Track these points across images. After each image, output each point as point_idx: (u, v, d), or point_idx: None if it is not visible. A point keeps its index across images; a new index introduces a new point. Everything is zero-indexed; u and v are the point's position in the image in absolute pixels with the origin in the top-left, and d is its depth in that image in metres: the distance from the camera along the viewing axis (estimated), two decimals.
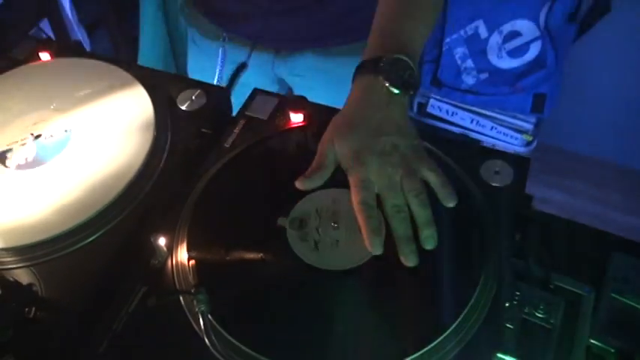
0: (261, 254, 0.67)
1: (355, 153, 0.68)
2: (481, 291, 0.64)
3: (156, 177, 0.74)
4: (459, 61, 1.62)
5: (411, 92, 0.73)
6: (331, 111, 0.80)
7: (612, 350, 0.64)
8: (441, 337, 0.60)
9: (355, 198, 0.66)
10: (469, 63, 1.61)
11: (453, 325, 0.61)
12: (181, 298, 0.64)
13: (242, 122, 0.81)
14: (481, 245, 0.67)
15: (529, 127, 1.65)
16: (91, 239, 0.68)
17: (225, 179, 0.75)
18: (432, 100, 1.70)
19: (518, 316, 0.64)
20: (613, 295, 0.68)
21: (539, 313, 0.65)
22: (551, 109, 1.62)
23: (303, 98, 0.81)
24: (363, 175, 0.67)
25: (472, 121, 1.69)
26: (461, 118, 1.70)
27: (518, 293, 0.66)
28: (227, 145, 0.79)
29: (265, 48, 1.09)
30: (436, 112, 1.70)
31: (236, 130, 0.80)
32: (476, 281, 0.64)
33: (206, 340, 0.60)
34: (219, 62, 1.05)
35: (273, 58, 1.12)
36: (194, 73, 1.24)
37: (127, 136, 0.78)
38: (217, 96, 0.83)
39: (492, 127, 1.68)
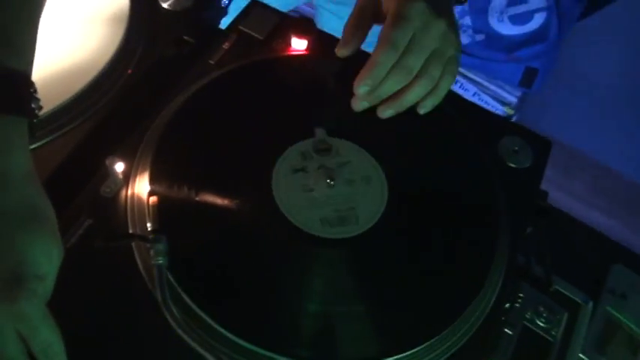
0: (238, 200, 0.56)
1: None
2: (486, 289, 0.57)
3: (121, 83, 0.62)
4: (456, 16, 1.52)
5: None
6: None
7: None
8: (436, 338, 0.53)
9: (387, 31, 0.59)
10: (467, 20, 1.53)
11: (451, 326, 0.54)
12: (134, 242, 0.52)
13: (234, 37, 0.68)
14: (493, 236, 0.60)
15: (513, 100, 1.59)
16: (32, 147, 0.54)
17: (205, 102, 0.62)
18: None
19: (519, 322, 0.59)
20: (609, 309, 0.65)
21: (541, 321, 0.59)
22: (538, 88, 1.56)
23: (309, 21, 0.69)
24: (409, 12, 0.59)
25: (456, 83, 1.62)
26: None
27: (521, 295, 0.59)
28: (212, 62, 0.66)
29: None
30: None
31: (225, 46, 0.67)
32: (483, 277, 0.56)
33: (159, 298, 0.48)
34: None
35: None
36: None
37: (92, 27, 0.65)
38: None
39: (475, 93, 1.61)
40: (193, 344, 0.47)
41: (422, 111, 0.62)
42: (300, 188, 0.58)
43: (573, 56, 1.66)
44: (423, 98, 0.62)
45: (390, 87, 0.60)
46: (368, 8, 0.64)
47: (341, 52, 0.63)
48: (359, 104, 0.61)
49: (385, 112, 0.61)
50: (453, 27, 0.62)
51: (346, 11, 0.67)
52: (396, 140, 0.64)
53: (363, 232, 0.56)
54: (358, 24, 0.63)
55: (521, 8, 1.49)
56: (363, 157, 0.61)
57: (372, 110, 0.63)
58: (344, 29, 0.63)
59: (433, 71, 0.60)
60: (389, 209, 0.58)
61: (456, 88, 1.60)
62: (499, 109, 1.60)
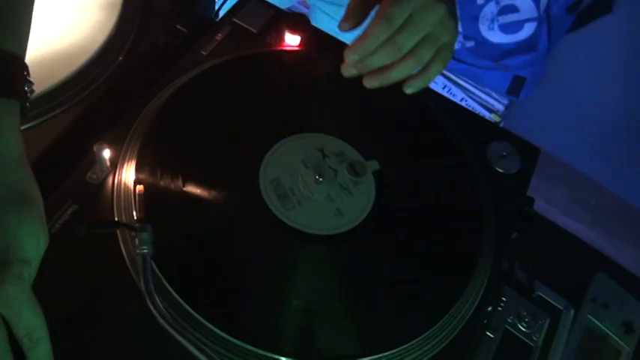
0: (225, 192, 0.55)
1: None
2: (469, 291, 0.56)
3: (112, 69, 0.61)
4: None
5: None
6: (337, 42, 0.69)
7: None
8: (420, 337, 0.53)
9: (388, 3, 0.58)
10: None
11: (434, 327, 0.54)
12: (119, 230, 0.51)
13: (227, 29, 0.67)
14: (478, 239, 0.60)
15: (500, 107, 1.60)
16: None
17: (196, 93, 0.61)
18: None
19: (501, 326, 0.59)
20: (590, 317, 0.64)
21: (522, 325, 0.59)
22: (526, 97, 1.56)
23: (304, 17, 0.68)
24: None
25: (444, 87, 1.61)
26: (434, 82, 1.61)
27: (504, 299, 0.59)
28: (204, 53, 0.65)
29: None
30: None
31: (218, 37, 0.66)
32: (467, 279, 0.56)
33: (143, 288, 0.48)
34: None
35: None
36: None
37: (85, 12, 0.64)
38: None
39: (462, 99, 1.61)
40: (175, 334, 0.46)
41: (408, 90, 0.61)
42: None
43: (560, 66, 1.67)
44: (411, 78, 0.61)
45: (378, 60, 0.59)
46: None
47: (342, 26, 0.62)
48: (347, 70, 0.60)
49: (370, 83, 0.60)
50: (453, 15, 0.61)
51: (339, 12, 0.66)
52: (386, 140, 0.64)
53: (349, 229, 0.56)
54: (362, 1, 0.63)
55: (511, 17, 1.49)
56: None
57: (365, 112, 0.63)
58: (348, 5, 0.62)
59: (423, 53, 0.59)
60: (375, 210, 0.58)
61: (443, 93, 1.60)
62: (486, 116, 1.61)
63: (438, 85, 1.63)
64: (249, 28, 0.68)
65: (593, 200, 1.83)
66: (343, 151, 0.61)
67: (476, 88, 1.60)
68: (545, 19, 1.47)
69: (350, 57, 0.58)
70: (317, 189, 0.58)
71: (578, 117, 1.75)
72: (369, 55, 0.58)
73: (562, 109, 1.77)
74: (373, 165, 0.61)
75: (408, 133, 0.65)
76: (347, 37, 0.71)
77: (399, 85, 0.60)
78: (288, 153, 0.59)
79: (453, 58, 1.55)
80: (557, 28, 1.49)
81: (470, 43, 1.53)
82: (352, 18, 0.61)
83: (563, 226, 0.73)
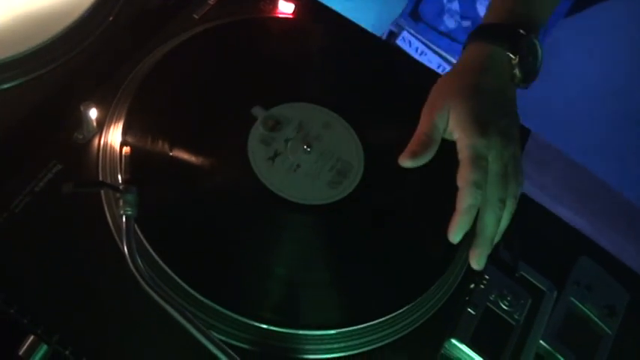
0: (213, 158, 0.55)
1: (480, 122, 0.58)
2: (453, 267, 0.57)
3: (102, 29, 0.60)
4: (444, 1, 1.51)
5: (525, 86, 0.65)
6: (333, 14, 0.69)
7: (560, 357, 0.61)
8: (402, 310, 0.53)
9: (468, 175, 0.56)
10: (455, 5, 1.52)
11: (417, 300, 0.54)
12: (104, 191, 0.50)
13: None
14: None
15: None
16: (5, 86, 0.54)
17: (187, 56, 0.61)
18: (404, 33, 1.58)
19: (482, 303, 0.59)
20: (572, 299, 0.65)
21: (504, 304, 0.59)
22: None
23: None
24: (483, 151, 0.57)
25: (439, 67, 1.60)
26: (428, 60, 1.60)
27: (487, 277, 0.59)
28: (196, 17, 0.65)
29: None
30: (405, 47, 1.59)
31: (211, 1, 0.65)
32: (450, 255, 0.57)
33: (125, 250, 0.47)
34: None
35: None
36: None
37: None
38: None
39: None
40: (157, 298, 0.46)
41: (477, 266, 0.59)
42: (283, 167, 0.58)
43: (557, 51, 1.67)
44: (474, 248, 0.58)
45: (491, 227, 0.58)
46: (437, 131, 0.60)
47: (405, 163, 0.59)
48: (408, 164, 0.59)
49: (479, 262, 0.58)
50: (519, 144, 0.62)
51: None
52: (376, 113, 0.64)
53: (335, 200, 0.56)
54: (427, 143, 0.59)
55: None
56: (352, 143, 0.61)
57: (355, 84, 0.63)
58: (412, 141, 0.60)
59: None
60: (362, 183, 0.58)
61: (438, 71, 1.60)
62: None
63: (432, 64, 1.62)
64: None
65: (583, 187, 1.84)
66: (302, 111, 0.61)
67: None
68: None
69: (454, 237, 0.56)
70: (303, 157, 0.57)
71: (571, 102, 1.75)
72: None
73: (555, 95, 1.78)
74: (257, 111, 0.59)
75: (397, 108, 0.65)
76: (339, 7, 0.70)
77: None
78: (286, 116, 0.59)
79: (449, 37, 1.55)
80: (554, 12, 1.49)
81: (466, 23, 1.52)
82: (416, 160, 0.59)
83: (551, 210, 0.74)
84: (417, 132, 0.59)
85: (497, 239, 0.59)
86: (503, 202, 0.58)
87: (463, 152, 0.58)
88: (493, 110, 0.59)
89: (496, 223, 0.57)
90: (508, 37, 0.62)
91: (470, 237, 0.57)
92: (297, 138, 0.58)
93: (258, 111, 0.58)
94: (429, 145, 0.59)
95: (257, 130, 0.58)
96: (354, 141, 0.60)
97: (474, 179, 0.56)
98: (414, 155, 0.58)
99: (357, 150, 0.60)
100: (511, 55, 0.62)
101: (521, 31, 0.63)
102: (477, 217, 0.57)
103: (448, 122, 0.59)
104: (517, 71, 0.63)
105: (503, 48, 0.62)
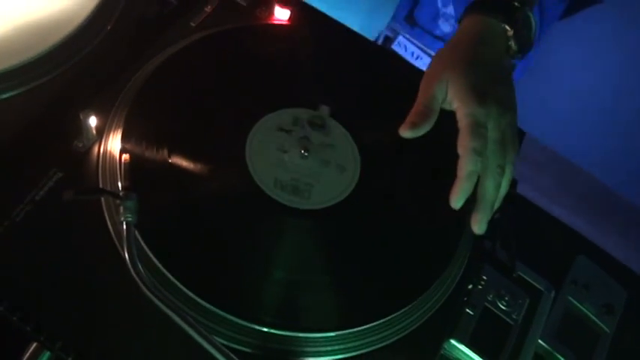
0: (211, 164, 0.55)
1: (477, 91, 0.59)
2: (451, 268, 0.57)
3: (100, 38, 0.60)
4: (439, 4, 1.52)
5: (520, 57, 0.66)
6: (328, 20, 0.70)
7: (559, 357, 0.61)
8: (401, 311, 0.54)
9: (468, 142, 0.58)
10: (450, 9, 1.52)
11: (415, 301, 0.55)
12: (104, 199, 0.51)
13: (216, 1, 0.67)
14: (460, 218, 0.60)
15: None
16: (5, 96, 0.54)
17: (184, 64, 0.61)
18: (400, 37, 1.59)
19: (480, 303, 0.59)
20: (570, 298, 0.65)
21: (502, 304, 0.59)
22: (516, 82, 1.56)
23: None
24: (482, 119, 0.59)
25: None
26: (424, 64, 1.61)
27: (485, 278, 0.59)
28: (193, 24, 0.65)
29: None
30: (401, 51, 1.59)
31: (208, 9, 0.66)
32: (449, 256, 0.57)
33: (126, 257, 0.48)
34: None
35: None
36: None
37: None
38: None
39: None
40: (158, 303, 0.47)
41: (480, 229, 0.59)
42: (274, 147, 0.58)
43: (550, 54, 1.67)
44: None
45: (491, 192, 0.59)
46: (436, 101, 0.61)
47: (405, 133, 0.60)
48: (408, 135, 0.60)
49: (480, 226, 0.59)
50: (515, 111, 0.63)
51: None
52: (370, 118, 0.65)
53: (332, 204, 0.57)
54: (425, 113, 0.61)
55: None
56: (349, 146, 0.61)
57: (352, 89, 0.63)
58: (411, 112, 0.61)
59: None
60: (359, 187, 0.58)
61: None
62: None
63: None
64: (239, 1, 0.68)
65: (579, 187, 1.85)
66: (342, 139, 0.61)
67: None
68: (538, 5, 1.46)
69: (457, 203, 0.57)
70: (299, 161, 0.58)
71: (566, 105, 1.76)
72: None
73: (550, 98, 1.78)
74: (325, 109, 0.61)
75: (394, 112, 0.65)
76: (336, 15, 0.71)
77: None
78: (275, 127, 0.60)
79: (444, 41, 1.56)
80: (548, 15, 1.49)
81: None
82: (415, 130, 0.60)
83: (547, 210, 0.74)
84: (416, 103, 0.61)
85: (497, 205, 0.60)
86: (502, 168, 0.59)
87: (462, 121, 0.59)
88: (490, 80, 0.61)
89: (496, 189, 0.59)
90: (503, 9, 0.64)
91: (468, 232, 0.59)
92: (295, 142, 0.59)
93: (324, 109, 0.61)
94: (428, 115, 0.60)
95: (261, 128, 0.59)
96: (350, 145, 0.61)
97: (474, 146, 0.57)
98: (414, 126, 0.59)
99: (354, 154, 0.60)
100: (506, 27, 0.63)
101: (516, 3, 0.64)
102: (477, 185, 0.58)
103: (447, 93, 0.61)
104: (512, 43, 0.64)
105: (499, 20, 0.63)
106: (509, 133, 0.60)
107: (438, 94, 0.60)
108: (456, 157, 0.59)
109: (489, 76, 0.61)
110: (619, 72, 1.67)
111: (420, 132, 0.60)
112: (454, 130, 0.64)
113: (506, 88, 0.63)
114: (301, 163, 0.58)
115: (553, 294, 0.64)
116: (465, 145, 0.58)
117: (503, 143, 0.59)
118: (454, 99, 0.60)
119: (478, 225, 0.58)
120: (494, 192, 0.58)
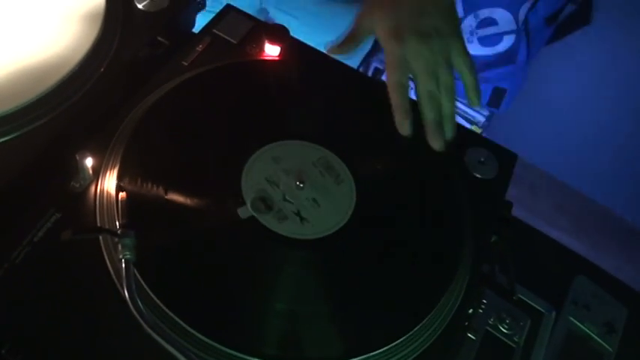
0: (208, 199, 0.56)
1: (394, 29, 0.65)
2: (450, 294, 0.57)
3: (94, 81, 0.61)
4: None
5: None
6: (315, 52, 0.71)
7: None
8: (401, 339, 0.53)
9: (390, 77, 0.64)
10: None
11: (416, 328, 0.54)
12: (102, 237, 0.51)
13: (207, 40, 0.68)
14: (457, 243, 0.60)
15: (481, 119, 1.61)
16: (1, 140, 0.55)
17: (178, 102, 0.62)
18: None
19: (482, 327, 0.59)
20: (571, 318, 0.65)
21: (503, 327, 0.59)
22: (506, 108, 1.58)
23: (283, 28, 0.69)
24: (399, 53, 0.64)
25: None
26: (415, 93, 1.62)
27: (485, 302, 0.60)
28: (185, 63, 0.66)
29: None
30: None
31: (199, 48, 0.67)
32: (448, 282, 0.57)
33: (126, 294, 0.48)
34: None
35: None
36: None
37: (68, 24, 0.64)
38: (185, 1, 0.69)
39: None
40: (160, 340, 0.47)
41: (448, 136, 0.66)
42: (270, 179, 0.59)
43: (541, 78, 1.69)
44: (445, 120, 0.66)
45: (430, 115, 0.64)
46: (362, 31, 0.69)
47: (332, 50, 0.69)
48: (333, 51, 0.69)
49: (438, 143, 0.65)
50: (452, 36, 0.66)
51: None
52: (364, 146, 0.65)
53: (329, 234, 0.57)
54: (350, 38, 0.69)
55: (490, 30, 1.50)
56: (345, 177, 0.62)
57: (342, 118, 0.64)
58: (346, 33, 0.69)
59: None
60: (355, 215, 0.59)
61: None
62: (466, 128, 1.62)
63: None
64: (230, 39, 0.69)
65: (575, 209, 1.85)
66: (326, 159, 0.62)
67: (456, 99, 1.62)
68: (524, 31, 1.48)
69: (404, 131, 0.64)
70: (299, 194, 0.58)
71: (558, 128, 1.77)
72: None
73: (543, 121, 1.80)
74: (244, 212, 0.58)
75: (387, 140, 0.66)
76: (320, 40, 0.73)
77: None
78: (269, 160, 0.60)
79: None
80: (536, 40, 1.51)
81: None
82: (343, 47, 0.69)
83: (544, 232, 0.74)
84: (347, 32, 0.69)
85: (449, 128, 0.66)
86: (430, 92, 0.64)
87: (386, 59, 0.65)
88: (409, 15, 0.65)
89: (433, 110, 0.64)
90: None
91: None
92: (290, 179, 0.59)
93: (244, 211, 0.57)
94: (353, 40, 0.69)
95: (254, 165, 0.59)
96: (345, 175, 0.62)
97: (395, 80, 0.64)
98: (340, 46, 0.69)
99: (349, 184, 0.61)
100: None
101: None
102: None
103: (374, 28, 0.68)
104: None
105: None
106: (437, 60, 0.64)
107: (366, 26, 0.68)
108: (454, 183, 0.63)
109: (409, 12, 0.66)
110: (615, 95, 1.68)
111: (344, 52, 0.69)
112: (452, 163, 0.65)
113: (430, 19, 0.66)
114: (297, 193, 0.58)
115: (554, 315, 0.64)
116: (388, 80, 0.64)
117: (427, 71, 0.64)
118: (380, 41, 0.66)
119: (436, 143, 0.64)
120: (433, 113, 0.64)
